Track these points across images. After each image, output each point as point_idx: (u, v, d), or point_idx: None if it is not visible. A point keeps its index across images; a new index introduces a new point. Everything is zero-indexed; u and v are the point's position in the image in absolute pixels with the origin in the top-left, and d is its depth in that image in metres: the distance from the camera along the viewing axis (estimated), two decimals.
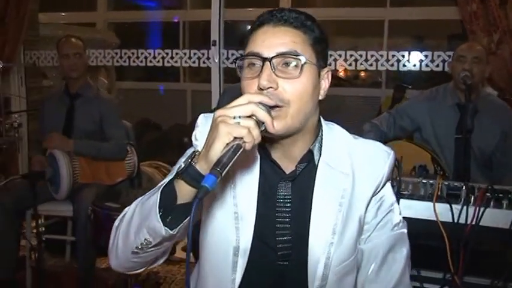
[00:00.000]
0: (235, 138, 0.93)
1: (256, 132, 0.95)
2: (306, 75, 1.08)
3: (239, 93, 3.27)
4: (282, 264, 1.18)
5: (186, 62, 3.81)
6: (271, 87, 1.05)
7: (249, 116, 0.96)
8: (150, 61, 3.89)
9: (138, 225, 1.05)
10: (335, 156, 1.18)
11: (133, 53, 3.94)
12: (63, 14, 8.62)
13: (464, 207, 1.64)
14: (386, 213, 1.22)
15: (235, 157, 0.93)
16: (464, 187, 1.73)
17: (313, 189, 1.16)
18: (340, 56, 3.51)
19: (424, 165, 2.62)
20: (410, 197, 1.77)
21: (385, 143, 2.73)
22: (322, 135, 1.20)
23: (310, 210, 1.16)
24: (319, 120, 1.21)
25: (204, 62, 3.76)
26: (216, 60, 3.69)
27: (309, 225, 1.15)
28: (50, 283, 3.07)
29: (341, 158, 1.18)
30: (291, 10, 1.12)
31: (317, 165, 1.17)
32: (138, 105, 6.54)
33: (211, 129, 0.97)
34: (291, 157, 1.17)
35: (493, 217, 1.64)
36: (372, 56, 3.46)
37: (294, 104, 1.07)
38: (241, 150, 0.93)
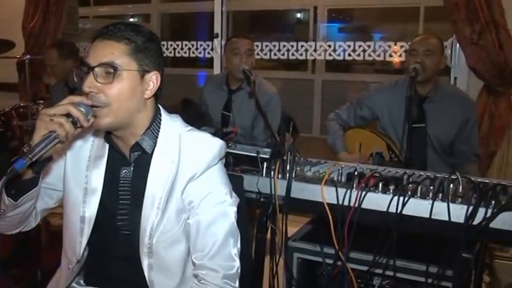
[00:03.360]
0: (50, 131, 1.18)
1: (67, 127, 1.19)
2: (121, 81, 1.30)
3: (219, 81, 3.58)
4: (125, 233, 1.44)
5: (193, 52, 4.11)
6: (92, 91, 1.29)
7: (65, 114, 1.21)
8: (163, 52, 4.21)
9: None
10: (168, 145, 1.40)
11: None
12: (118, 6, 9.22)
13: (349, 191, 1.79)
14: (208, 194, 1.40)
15: (50, 145, 1.17)
16: (355, 171, 1.88)
17: (148, 173, 1.40)
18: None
19: (380, 152, 2.73)
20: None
21: (347, 130, 2.87)
22: (158, 128, 1.41)
23: (145, 190, 1.40)
24: (157, 115, 1.42)
25: (208, 53, 4.05)
26: (218, 51, 3.95)
27: (142, 202, 1.40)
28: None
29: (173, 147, 1.40)
30: (121, 24, 1.33)
31: (152, 154, 1.40)
32: None
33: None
34: (129, 146, 1.41)
35: (377, 201, 1.78)
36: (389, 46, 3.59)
37: (113, 104, 1.29)
38: (56, 140, 1.18)
